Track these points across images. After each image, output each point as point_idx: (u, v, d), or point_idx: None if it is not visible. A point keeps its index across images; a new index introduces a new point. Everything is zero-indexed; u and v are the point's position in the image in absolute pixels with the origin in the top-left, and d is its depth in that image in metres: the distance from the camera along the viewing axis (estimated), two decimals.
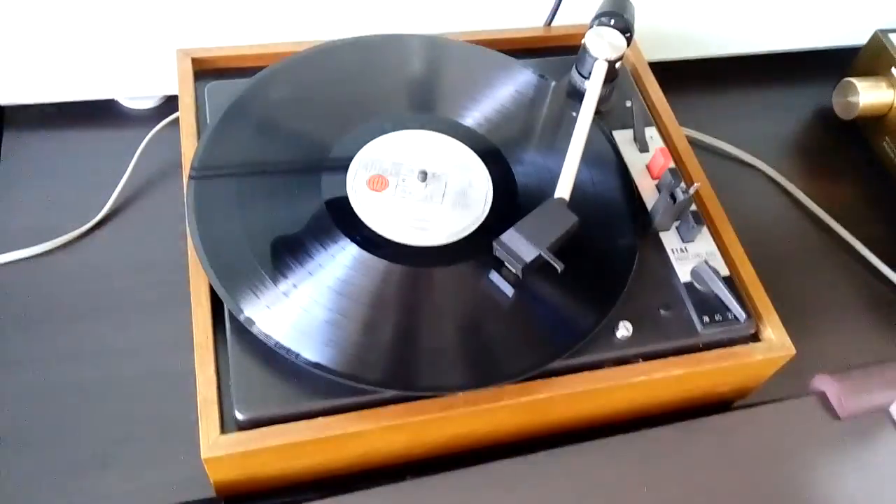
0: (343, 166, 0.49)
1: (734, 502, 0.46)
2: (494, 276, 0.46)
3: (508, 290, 0.46)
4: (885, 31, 0.69)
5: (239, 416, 0.41)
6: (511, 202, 0.50)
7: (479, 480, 0.44)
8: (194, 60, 0.56)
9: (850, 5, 0.72)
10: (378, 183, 0.49)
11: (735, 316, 0.48)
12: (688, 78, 0.72)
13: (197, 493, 0.46)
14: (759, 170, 0.68)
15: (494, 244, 0.45)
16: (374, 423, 0.42)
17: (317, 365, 0.42)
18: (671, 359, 0.47)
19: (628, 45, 0.55)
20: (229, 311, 0.44)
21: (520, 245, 0.44)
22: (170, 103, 0.64)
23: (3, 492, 0.46)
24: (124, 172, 0.59)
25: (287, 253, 0.46)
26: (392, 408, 0.43)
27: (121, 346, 0.52)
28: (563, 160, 0.49)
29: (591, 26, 0.55)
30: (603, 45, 0.54)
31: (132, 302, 0.54)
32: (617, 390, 0.46)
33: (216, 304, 0.45)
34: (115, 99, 0.63)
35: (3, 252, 0.54)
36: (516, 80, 0.57)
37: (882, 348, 0.58)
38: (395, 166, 0.50)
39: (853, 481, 0.48)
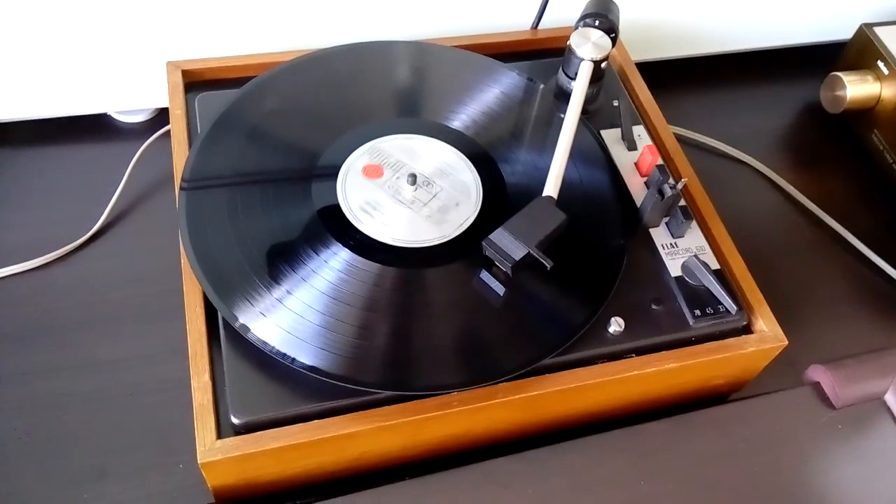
0: (333, 172, 0.50)
1: (731, 494, 0.46)
2: (485, 276, 0.46)
3: (499, 289, 0.46)
4: (870, 25, 0.69)
5: (235, 420, 0.42)
6: (501, 203, 0.50)
7: (477, 479, 0.45)
8: (184, 72, 0.56)
9: (834, 0, 0.73)
10: (373, 172, 0.50)
11: (726, 308, 0.48)
12: (675, 76, 0.73)
13: (196, 500, 0.46)
14: (748, 165, 0.68)
15: (483, 243, 0.45)
16: (369, 424, 0.42)
17: (312, 368, 0.43)
18: (664, 353, 0.47)
19: (613, 45, 0.55)
20: (223, 318, 0.45)
21: (509, 244, 0.45)
22: (162, 116, 0.64)
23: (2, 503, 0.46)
24: (118, 185, 0.59)
25: (280, 259, 0.46)
26: (387, 408, 0.43)
27: (117, 356, 0.52)
28: (552, 160, 0.49)
29: (576, 28, 0.56)
30: (588, 45, 0.54)
31: (128, 313, 0.54)
32: (610, 385, 0.46)
33: (210, 312, 0.45)
34: (107, 113, 0.64)
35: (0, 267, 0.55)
36: (504, 84, 0.57)
37: (875, 337, 0.59)
38: (386, 169, 0.50)
39: (849, 470, 0.48)
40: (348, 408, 0.43)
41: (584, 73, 0.54)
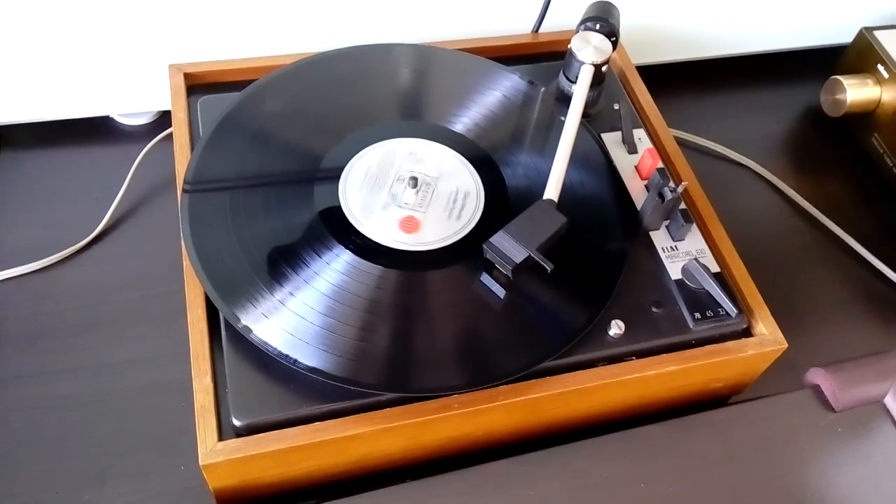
0: (335, 175, 0.50)
1: (731, 497, 0.46)
2: (485, 279, 0.47)
3: (500, 292, 0.46)
4: (871, 29, 0.70)
5: (236, 422, 0.42)
6: (502, 206, 0.50)
7: (477, 481, 0.45)
8: (186, 75, 0.56)
9: (835, 4, 0.73)
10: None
11: (726, 312, 0.48)
12: (676, 80, 0.73)
13: (198, 502, 0.47)
14: (749, 168, 0.68)
15: (484, 246, 0.45)
16: (370, 426, 0.42)
17: (313, 370, 0.43)
18: (664, 356, 0.47)
19: (614, 48, 0.55)
20: (225, 319, 0.45)
21: (509, 247, 0.45)
22: (164, 119, 0.65)
23: None
24: (120, 188, 0.59)
25: (281, 261, 0.46)
26: (388, 410, 0.43)
27: (119, 358, 0.52)
28: (552, 163, 0.50)
29: (577, 31, 0.56)
30: (589, 49, 0.55)
31: (130, 315, 0.54)
32: (610, 388, 0.46)
33: (212, 314, 0.46)
34: (110, 116, 0.64)
35: (2, 269, 0.55)
36: (505, 87, 0.57)
37: (875, 340, 0.59)
38: (388, 172, 0.51)
39: (849, 473, 0.48)
40: (350, 410, 0.43)
41: (585, 76, 0.54)
